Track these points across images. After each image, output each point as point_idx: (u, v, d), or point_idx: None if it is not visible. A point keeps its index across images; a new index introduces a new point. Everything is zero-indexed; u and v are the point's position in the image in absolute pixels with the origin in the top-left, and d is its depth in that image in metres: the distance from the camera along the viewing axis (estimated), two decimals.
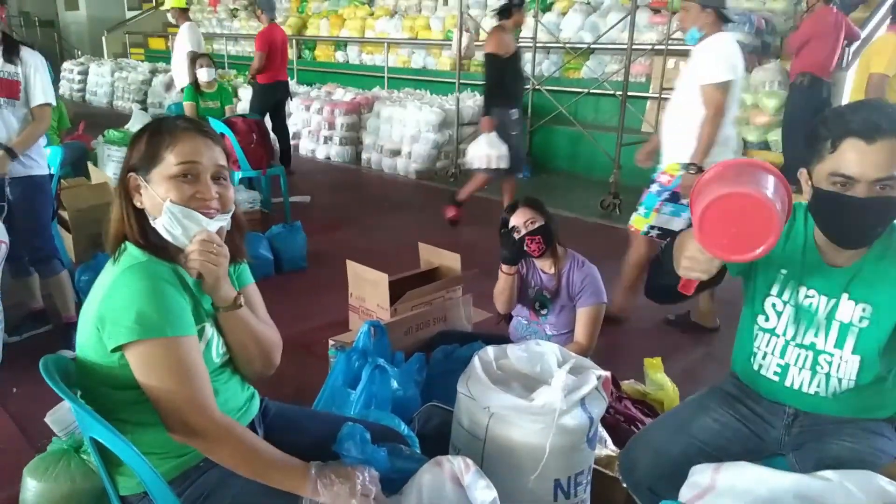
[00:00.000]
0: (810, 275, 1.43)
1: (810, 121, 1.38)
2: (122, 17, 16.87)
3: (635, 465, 1.56)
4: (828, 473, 1.09)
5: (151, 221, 1.25)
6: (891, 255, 1.37)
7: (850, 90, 4.74)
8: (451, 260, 3.11)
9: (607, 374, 1.58)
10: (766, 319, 1.50)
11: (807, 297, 1.44)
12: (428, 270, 3.17)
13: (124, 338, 1.14)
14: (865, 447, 1.39)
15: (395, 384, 2.10)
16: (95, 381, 1.22)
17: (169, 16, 6.72)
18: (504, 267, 2.38)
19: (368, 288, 2.94)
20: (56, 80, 13.85)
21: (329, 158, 7.98)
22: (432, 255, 3.23)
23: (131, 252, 1.25)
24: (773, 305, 1.48)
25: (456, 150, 7.08)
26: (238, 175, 4.75)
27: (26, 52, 2.73)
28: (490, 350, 1.66)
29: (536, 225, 2.32)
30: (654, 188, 3.16)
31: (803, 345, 1.45)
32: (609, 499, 1.78)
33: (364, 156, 7.73)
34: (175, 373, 1.16)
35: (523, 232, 2.32)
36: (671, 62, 6.68)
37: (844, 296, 1.40)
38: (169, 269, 1.24)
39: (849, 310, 1.40)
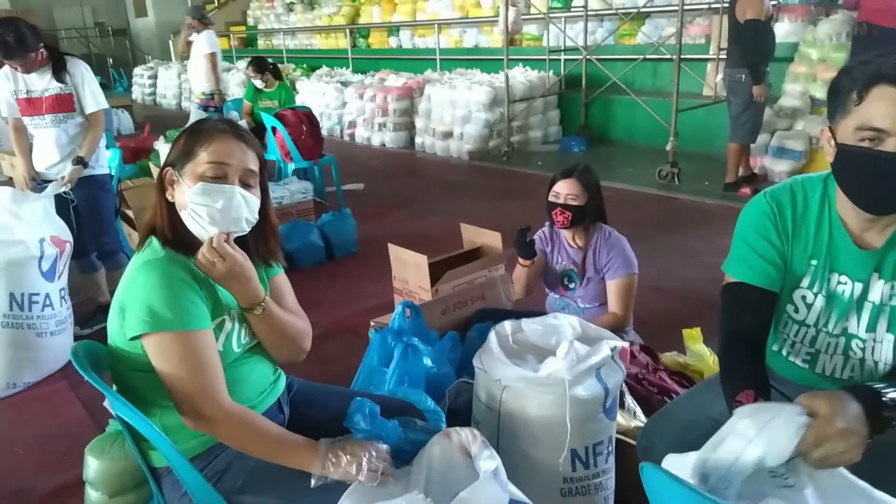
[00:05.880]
0: (841, 260, 1.30)
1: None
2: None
3: (652, 447, 1.49)
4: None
5: (180, 213, 1.32)
6: None
7: None
8: (492, 239, 3.12)
9: (625, 344, 1.57)
10: (796, 311, 1.39)
11: (839, 283, 1.32)
12: (470, 250, 3.19)
13: (138, 329, 1.23)
14: None
15: (428, 362, 2.15)
16: (124, 365, 1.32)
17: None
18: (520, 259, 2.47)
19: (410, 270, 2.98)
20: (129, 86, 14.55)
21: (384, 145, 8.08)
22: (474, 235, 3.24)
23: (153, 246, 1.33)
24: (804, 297, 1.36)
25: (508, 128, 7.02)
26: (291, 167, 4.91)
27: (71, 64, 2.91)
28: (507, 324, 1.67)
29: (572, 204, 2.32)
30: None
31: (834, 333, 1.35)
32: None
33: (417, 140, 7.78)
34: (185, 364, 1.23)
35: (560, 201, 2.32)
36: None
37: (875, 275, 1.29)
38: (187, 266, 1.31)
39: (879, 289, 1.29)
